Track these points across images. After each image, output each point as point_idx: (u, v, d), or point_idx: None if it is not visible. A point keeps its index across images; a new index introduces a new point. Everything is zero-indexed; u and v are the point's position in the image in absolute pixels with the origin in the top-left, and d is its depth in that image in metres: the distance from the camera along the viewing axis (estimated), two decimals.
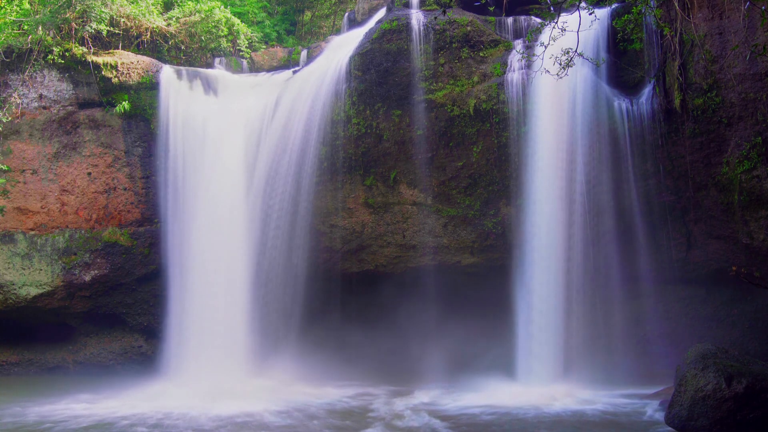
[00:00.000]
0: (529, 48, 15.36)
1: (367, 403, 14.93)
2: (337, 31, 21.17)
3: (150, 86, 18.55)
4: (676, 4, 14.27)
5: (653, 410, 13.29)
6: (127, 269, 18.72)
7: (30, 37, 18.39)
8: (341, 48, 18.02)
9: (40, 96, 18.54)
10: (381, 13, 18.63)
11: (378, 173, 17.32)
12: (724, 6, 13.78)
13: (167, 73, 18.69)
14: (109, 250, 18.63)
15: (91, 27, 18.72)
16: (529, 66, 15.65)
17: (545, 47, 11.72)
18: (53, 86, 18.55)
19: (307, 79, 17.88)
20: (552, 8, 12.84)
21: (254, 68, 20.52)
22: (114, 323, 19.39)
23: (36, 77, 18.54)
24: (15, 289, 18.56)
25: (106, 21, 19.05)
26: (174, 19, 20.75)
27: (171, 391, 15.60)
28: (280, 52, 20.70)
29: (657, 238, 15.98)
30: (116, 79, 18.45)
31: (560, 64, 11.67)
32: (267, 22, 22.85)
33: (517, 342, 15.89)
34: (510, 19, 17.18)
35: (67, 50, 18.45)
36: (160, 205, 18.36)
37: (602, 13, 15.32)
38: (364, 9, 20.04)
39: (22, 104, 18.51)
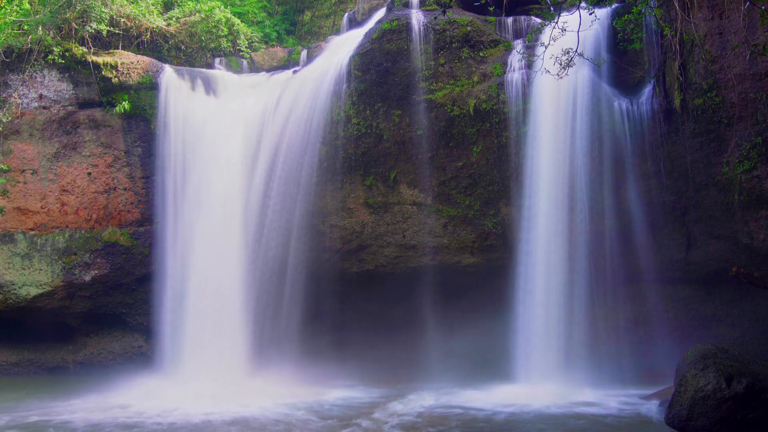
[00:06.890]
0: (529, 48, 15.37)
1: (364, 403, 14.92)
2: (337, 31, 21.15)
3: (150, 86, 18.54)
4: (676, 4, 14.27)
5: (653, 410, 13.29)
6: (127, 269, 18.72)
7: (30, 37, 18.37)
8: (341, 48, 18.01)
9: (40, 96, 18.54)
10: (381, 13, 18.61)
11: (378, 173, 17.31)
12: (724, 6, 13.78)
13: (168, 73, 18.67)
14: (109, 250, 18.63)
15: (91, 27, 18.69)
16: (529, 66, 15.65)
17: (545, 47, 11.72)
18: (53, 86, 18.54)
19: (307, 79, 17.88)
20: (552, 8, 12.85)
21: (254, 68, 20.50)
22: (114, 323, 19.38)
23: (36, 77, 18.54)
24: (15, 289, 18.55)
25: (106, 21, 19.03)
26: (174, 19, 20.73)
27: (170, 391, 15.58)
28: (280, 52, 20.69)
29: (657, 238, 15.97)
30: (116, 79, 18.44)
31: (560, 64, 11.66)
32: (267, 22, 22.84)
33: (517, 342, 15.89)
34: (510, 19, 17.18)
35: (67, 50, 18.44)
36: (160, 205, 18.33)
37: (602, 13, 15.31)
38: (364, 9, 20.03)
39: (22, 104, 18.50)
